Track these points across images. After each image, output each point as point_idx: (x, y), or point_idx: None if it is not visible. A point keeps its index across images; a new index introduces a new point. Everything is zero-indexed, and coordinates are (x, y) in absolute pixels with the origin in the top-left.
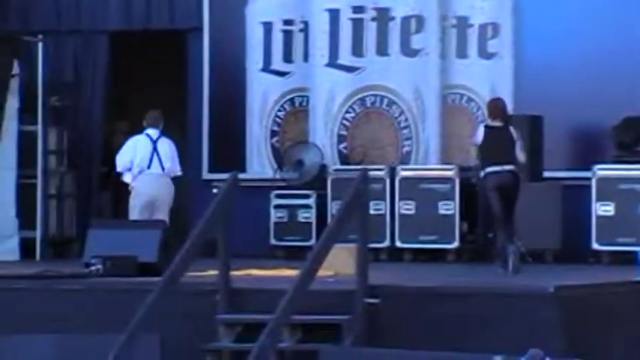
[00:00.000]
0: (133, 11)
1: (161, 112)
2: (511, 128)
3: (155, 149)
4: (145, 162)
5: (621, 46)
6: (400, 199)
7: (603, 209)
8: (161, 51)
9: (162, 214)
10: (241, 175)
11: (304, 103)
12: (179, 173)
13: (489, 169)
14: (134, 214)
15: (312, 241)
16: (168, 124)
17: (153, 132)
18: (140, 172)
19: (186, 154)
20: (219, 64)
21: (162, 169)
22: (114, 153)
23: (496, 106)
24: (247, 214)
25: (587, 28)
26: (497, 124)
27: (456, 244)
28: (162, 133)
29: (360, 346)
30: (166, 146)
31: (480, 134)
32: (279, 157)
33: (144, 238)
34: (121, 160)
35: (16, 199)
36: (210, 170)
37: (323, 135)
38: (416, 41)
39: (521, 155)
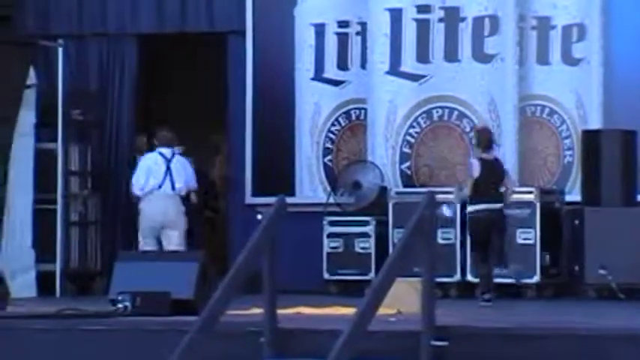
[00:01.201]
0: (166, 12)
1: (173, 132)
2: (500, 160)
3: (169, 168)
4: (158, 182)
5: None
6: None
7: None
8: (199, 57)
9: (175, 238)
10: (289, 200)
11: (362, 117)
12: (194, 188)
13: (480, 207)
14: (141, 237)
15: (371, 275)
16: (206, 140)
17: (166, 151)
18: (150, 192)
19: (229, 176)
20: (264, 71)
21: (173, 188)
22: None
23: (487, 137)
24: (297, 243)
25: None
26: (490, 156)
27: (536, 279)
28: (177, 152)
29: None
30: (179, 165)
31: (476, 168)
32: (333, 178)
33: (178, 272)
34: (137, 182)
35: (33, 227)
36: (255, 194)
37: (383, 153)
38: (490, 45)
39: (512, 185)
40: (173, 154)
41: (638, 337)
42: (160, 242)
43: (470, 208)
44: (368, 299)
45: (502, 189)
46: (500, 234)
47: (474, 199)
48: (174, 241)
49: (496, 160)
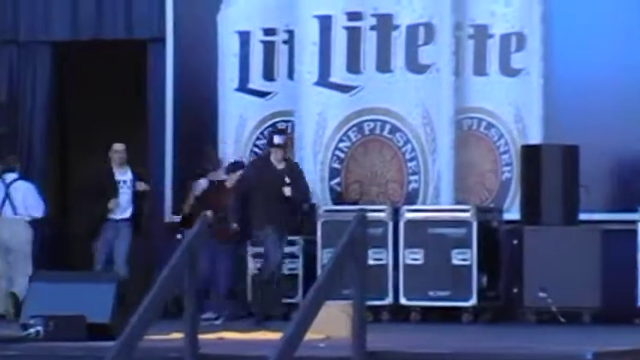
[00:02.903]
0: (81, 18)
1: (15, 156)
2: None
3: (7, 194)
4: None
5: None
6: (405, 246)
7: None
8: (117, 66)
9: (23, 263)
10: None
11: (289, 130)
12: (37, 215)
13: None
14: None
15: (299, 298)
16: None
17: (8, 176)
18: None
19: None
20: (186, 81)
21: (15, 213)
22: None
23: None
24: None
25: (631, 39)
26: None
27: (473, 302)
28: (20, 177)
29: None
30: (21, 190)
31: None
32: None
33: (95, 294)
34: None
35: None
36: (176, 212)
37: (311, 168)
38: (425, 55)
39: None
40: (16, 179)
41: None
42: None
43: None
44: (295, 323)
45: None
46: None
47: None
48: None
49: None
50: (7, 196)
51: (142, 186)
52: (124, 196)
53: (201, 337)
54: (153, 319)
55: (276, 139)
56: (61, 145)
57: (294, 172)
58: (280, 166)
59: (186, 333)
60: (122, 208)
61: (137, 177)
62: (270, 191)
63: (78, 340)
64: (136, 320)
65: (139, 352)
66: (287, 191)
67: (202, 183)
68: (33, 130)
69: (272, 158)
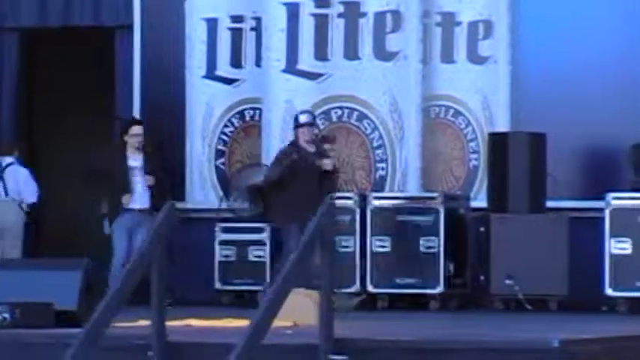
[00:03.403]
0: (49, 4)
1: (13, 140)
2: None
3: (2, 177)
4: None
5: None
6: (373, 234)
7: (619, 247)
8: (85, 53)
9: (10, 246)
10: (179, 205)
11: (256, 117)
12: (30, 200)
13: None
14: None
15: (266, 285)
16: (94, 140)
17: (4, 160)
18: None
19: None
20: (153, 68)
21: (6, 194)
22: None
23: None
24: (187, 251)
25: (601, 27)
26: None
27: (440, 289)
28: (17, 161)
29: None
30: (14, 174)
31: None
32: (225, 182)
33: (62, 281)
34: None
35: None
36: None
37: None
38: (392, 42)
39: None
40: (11, 163)
41: (547, 351)
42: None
43: None
44: (263, 311)
45: None
46: None
47: None
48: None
49: None
50: (1, 179)
51: (150, 180)
52: (138, 184)
53: (168, 324)
54: (120, 306)
55: (303, 118)
56: (29, 131)
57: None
58: (311, 148)
59: (153, 320)
60: (139, 195)
61: (148, 166)
62: (301, 179)
63: (45, 327)
64: (102, 307)
65: (106, 339)
66: (327, 164)
67: None
68: (1, 117)
69: (300, 141)
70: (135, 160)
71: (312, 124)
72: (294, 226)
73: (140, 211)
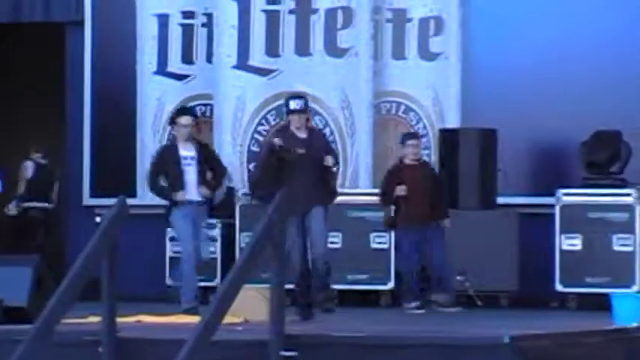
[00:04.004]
0: None
1: None
2: None
3: None
4: None
5: (592, 45)
6: None
7: (569, 243)
8: (36, 49)
9: None
10: (130, 201)
11: (208, 113)
12: None
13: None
14: None
15: (217, 281)
16: (43, 137)
17: None
18: None
19: (65, 175)
20: (104, 64)
21: None
22: None
23: None
24: (138, 247)
25: (550, 24)
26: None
27: (391, 285)
28: None
29: None
30: None
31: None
32: None
33: (11, 277)
34: None
35: None
36: (93, 195)
37: (230, 152)
38: (343, 38)
39: None
40: None
41: (498, 347)
42: None
43: None
44: (213, 307)
45: None
46: None
47: None
48: None
49: None
50: None
51: (208, 174)
52: (190, 174)
53: (119, 320)
54: (70, 302)
55: (293, 104)
56: None
57: (321, 141)
58: (302, 135)
59: (103, 316)
60: (192, 185)
61: (201, 155)
62: (294, 169)
63: None
64: (53, 303)
65: (57, 335)
66: (329, 160)
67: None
68: None
69: (292, 127)
70: (186, 150)
71: (303, 110)
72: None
73: (196, 202)
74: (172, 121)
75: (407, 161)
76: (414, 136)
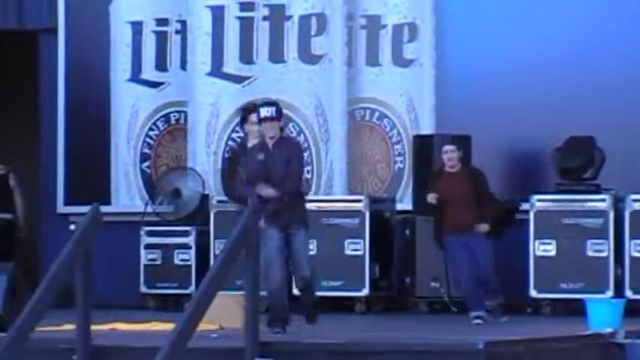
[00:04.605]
0: None
1: None
2: None
3: None
4: None
5: (564, 52)
6: None
7: (543, 249)
8: (8, 57)
9: None
10: (105, 208)
11: (182, 120)
12: None
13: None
14: None
15: (192, 289)
16: (16, 145)
17: None
18: None
19: (38, 183)
20: (78, 72)
21: None
22: None
23: None
24: (112, 255)
25: (524, 31)
26: None
27: (365, 292)
28: None
29: None
30: None
31: None
32: (151, 185)
33: None
34: None
35: None
36: (67, 202)
37: (205, 159)
38: (317, 45)
39: None
40: None
41: (472, 353)
42: None
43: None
44: (188, 314)
45: None
46: None
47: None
48: None
49: None
50: None
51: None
52: None
53: (93, 328)
54: (45, 310)
55: (263, 112)
56: None
57: (291, 151)
58: (270, 144)
59: (78, 324)
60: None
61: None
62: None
63: None
64: (27, 311)
65: (31, 343)
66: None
67: None
68: None
69: (266, 138)
70: None
71: (275, 118)
72: (270, 231)
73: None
74: (245, 120)
75: (446, 168)
76: (449, 141)
